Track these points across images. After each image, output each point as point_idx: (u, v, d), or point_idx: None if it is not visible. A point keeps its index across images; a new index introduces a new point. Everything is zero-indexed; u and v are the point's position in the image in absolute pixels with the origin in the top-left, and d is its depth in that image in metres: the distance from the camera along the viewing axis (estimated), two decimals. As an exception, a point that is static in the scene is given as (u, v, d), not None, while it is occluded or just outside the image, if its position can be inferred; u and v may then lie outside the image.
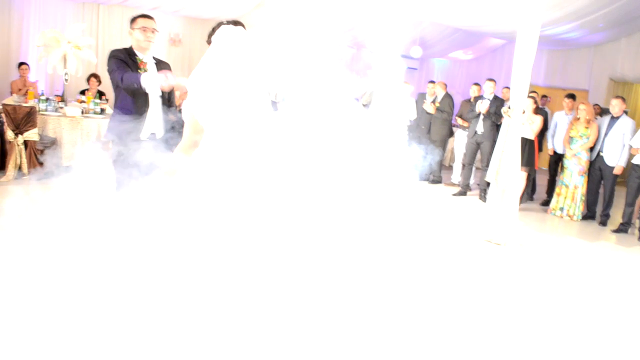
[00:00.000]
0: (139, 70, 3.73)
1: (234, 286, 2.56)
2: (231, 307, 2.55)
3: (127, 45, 3.89)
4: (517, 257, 5.29)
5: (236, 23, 3.06)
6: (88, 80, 8.35)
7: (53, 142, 6.45)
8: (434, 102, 8.90)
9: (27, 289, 2.76)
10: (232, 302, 2.55)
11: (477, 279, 4.49)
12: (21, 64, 8.49)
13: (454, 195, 8.28)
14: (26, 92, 7.61)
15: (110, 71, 3.71)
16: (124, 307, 2.57)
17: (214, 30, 3.11)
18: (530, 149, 7.15)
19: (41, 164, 6.09)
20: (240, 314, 2.55)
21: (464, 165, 8.57)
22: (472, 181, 8.56)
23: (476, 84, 8.83)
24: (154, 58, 3.93)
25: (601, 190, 7.41)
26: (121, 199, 3.21)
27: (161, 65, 3.94)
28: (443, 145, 9.12)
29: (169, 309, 2.54)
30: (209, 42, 3.08)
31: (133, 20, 3.88)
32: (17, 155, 6.18)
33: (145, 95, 3.72)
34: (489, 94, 8.03)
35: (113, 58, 3.72)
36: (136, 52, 3.82)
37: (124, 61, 3.71)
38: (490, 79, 8.16)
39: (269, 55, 3.04)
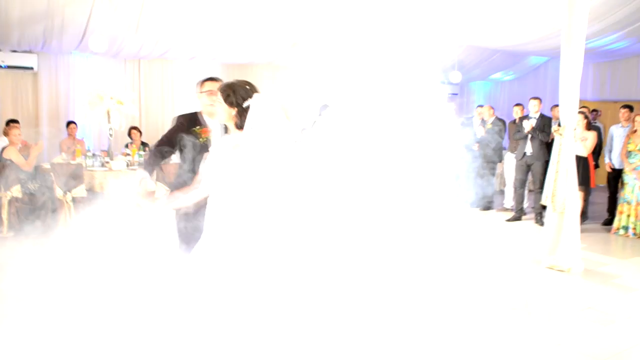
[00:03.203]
0: (199, 139, 3.33)
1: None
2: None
3: (196, 109, 3.50)
4: (586, 285, 4.91)
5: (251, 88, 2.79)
6: (129, 133, 8.55)
7: (100, 197, 6.56)
8: (483, 125, 8.67)
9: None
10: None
11: (553, 311, 4.23)
12: (69, 123, 8.79)
13: (508, 220, 7.92)
14: (74, 150, 7.84)
15: None
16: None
17: (244, 95, 2.79)
18: (584, 167, 6.78)
19: (87, 219, 6.16)
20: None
21: (515, 189, 8.21)
22: (525, 205, 8.17)
23: (518, 104, 8.52)
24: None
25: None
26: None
27: None
28: (493, 169, 8.81)
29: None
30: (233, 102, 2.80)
31: (200, 83, 3.47)
32: (67, 212, 6.30)
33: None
34: (534, 113, 7.72)
35: (174, 122, 3.44)
36: (204, 117, 3.42)
37: (180, 129, 3.34)
38: (535, 97, 7.86)
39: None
